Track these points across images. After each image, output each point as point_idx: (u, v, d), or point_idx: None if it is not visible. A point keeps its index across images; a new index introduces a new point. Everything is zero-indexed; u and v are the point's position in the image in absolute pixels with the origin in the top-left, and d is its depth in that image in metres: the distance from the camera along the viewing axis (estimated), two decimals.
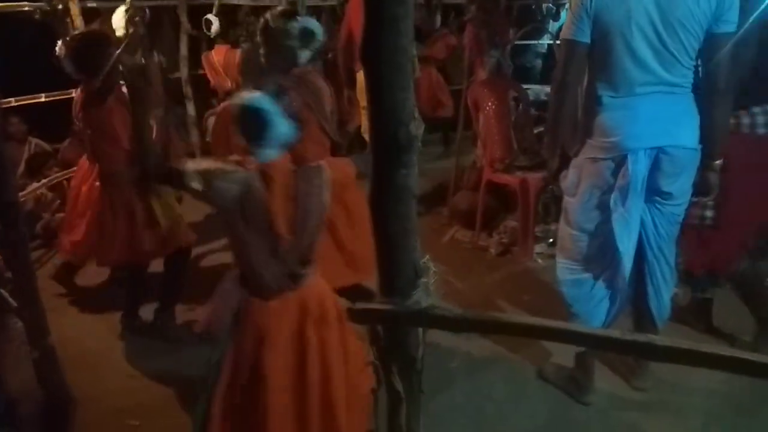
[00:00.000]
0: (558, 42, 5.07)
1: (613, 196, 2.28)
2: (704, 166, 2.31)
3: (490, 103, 4.16)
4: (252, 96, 1.86)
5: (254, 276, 1.89)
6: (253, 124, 1.83)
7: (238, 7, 5.69)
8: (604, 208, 2.33)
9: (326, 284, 2.07)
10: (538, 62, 7.40)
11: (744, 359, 0.96)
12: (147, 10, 3.73)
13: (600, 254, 2.43)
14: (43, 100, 4.27)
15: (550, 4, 6.11)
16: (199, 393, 2.00)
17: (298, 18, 2.68)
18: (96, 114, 2.89)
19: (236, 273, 1.96)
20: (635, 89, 2.20)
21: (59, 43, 3.39)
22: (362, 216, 2.70)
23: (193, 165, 1.85)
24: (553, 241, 4.09)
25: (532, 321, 1.06)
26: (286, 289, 1.91)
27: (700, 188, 2.37)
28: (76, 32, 3.72)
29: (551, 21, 6.14)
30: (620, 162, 2.24)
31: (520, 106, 4.40)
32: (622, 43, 2.14)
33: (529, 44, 6.96)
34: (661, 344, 0.96)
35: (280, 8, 2.85)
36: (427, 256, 1.24)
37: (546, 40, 6.74)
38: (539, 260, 3.95)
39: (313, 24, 2.70)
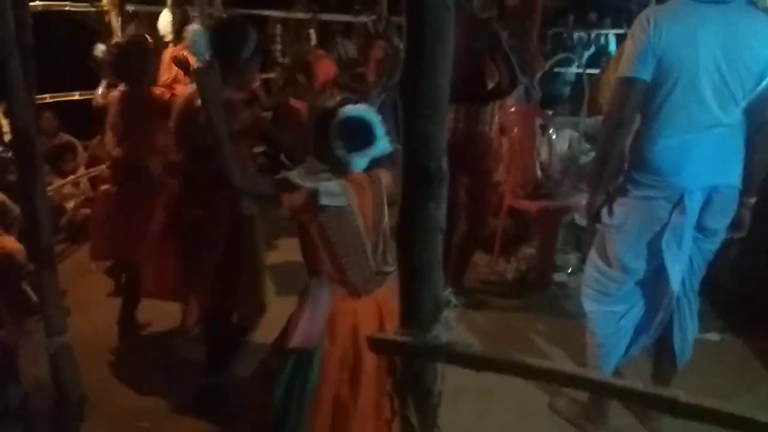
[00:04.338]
0: (588, 71, 5.12)
1: (666, 235, 2.26)
2: (740, 203, 2.31)
3: (516, 129, 4.16)
4: (359, 107, 1.93)
5: (344, 279, 1.95)
6: (359, 133, 1.90)
7: (267, 18, 5.75)
8: (652, 247, 2.31)
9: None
10: (566, 90, 7.41)
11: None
12: None
13: (637, 290, 2.42)
14: (77, 97, 4.36)
15: (583, 33, 6.12)
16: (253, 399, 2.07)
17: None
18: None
19: (319, 279, 1.97)
20: (693, 129, 2.18)
21: (100, 47, 3.51)
22: None
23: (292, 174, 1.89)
24: (571, 271, 4.07)
25: (554, 366, 1.05)
26: (375, 287, 2.00)
27: (735, 225, 2.36)
28: (117, 40, 3.87)
29: (582, 50, 6.16)
30: (675, 201, 2.23)
31: (546, 134, 4.39)
32: (688, 83, 2.13)
33: (559, 72, 6.97)
34: (684, 400, 0.95)
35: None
36: (450, 289, 1.24)
37: (575, 69, 6.74)
38: (556, 290, 3.92)
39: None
